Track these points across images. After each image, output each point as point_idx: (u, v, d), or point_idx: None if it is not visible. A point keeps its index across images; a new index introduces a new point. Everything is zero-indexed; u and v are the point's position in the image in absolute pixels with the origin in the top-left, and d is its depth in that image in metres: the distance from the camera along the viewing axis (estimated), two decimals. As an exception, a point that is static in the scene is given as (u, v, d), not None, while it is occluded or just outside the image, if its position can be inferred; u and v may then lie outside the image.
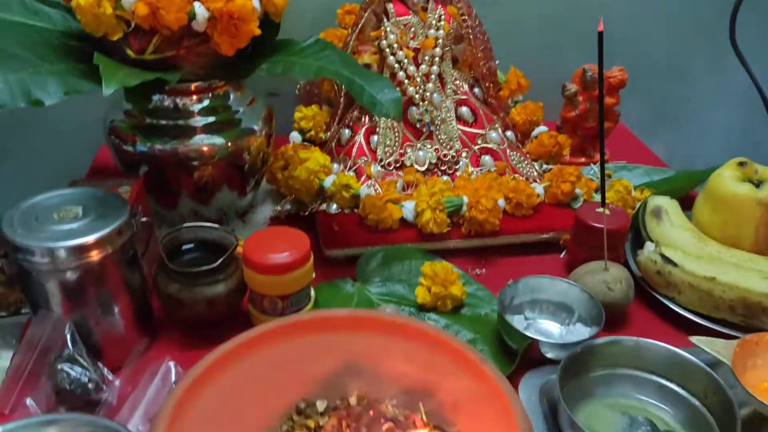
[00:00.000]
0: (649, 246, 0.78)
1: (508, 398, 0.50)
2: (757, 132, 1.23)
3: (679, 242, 0.79)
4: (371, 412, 0.54)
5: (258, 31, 0.72)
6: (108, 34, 0.69)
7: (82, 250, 0.60)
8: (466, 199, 0.83)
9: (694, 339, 0.63)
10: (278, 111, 0.99)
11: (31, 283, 0.62)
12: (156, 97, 0.79)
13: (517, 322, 0.72)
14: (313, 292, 0.73)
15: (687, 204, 0.87)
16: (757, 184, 0.79)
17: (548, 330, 0.73)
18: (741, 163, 0.80)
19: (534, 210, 0.87)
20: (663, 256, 0.75)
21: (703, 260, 0.75)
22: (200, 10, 0.69)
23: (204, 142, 0.80)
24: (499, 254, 0.85)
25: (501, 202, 0.85)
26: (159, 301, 0.70)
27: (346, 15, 1.01)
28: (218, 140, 0.81)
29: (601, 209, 0.77)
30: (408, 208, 0.83)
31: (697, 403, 0.61)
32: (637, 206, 0.88)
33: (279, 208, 0.91)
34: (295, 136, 1.01)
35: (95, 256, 0.61)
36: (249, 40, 0.72)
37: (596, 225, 0.77)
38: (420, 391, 0.54)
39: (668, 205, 0.83)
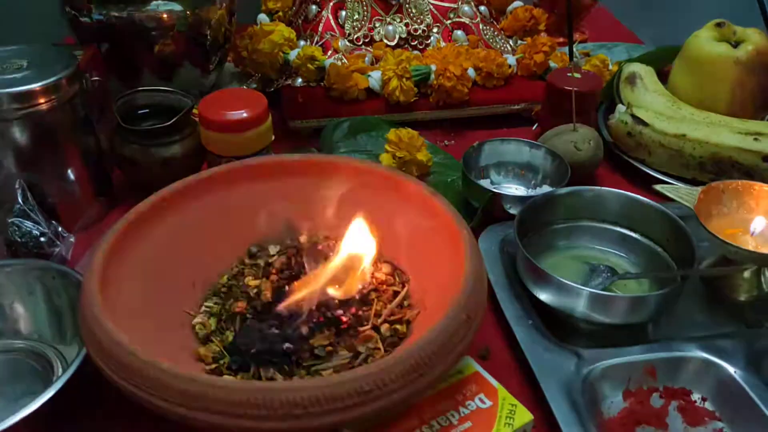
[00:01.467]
0: (620, 108, 0.76)
1: (458, 230, 0.49)
2: (746, 19, 1.18)
3: (652, 105, 0.77)
4: (320, 247, 0.53)
5: None
6: None
7: (27, 97, 0.58)
8: (434, 68, 0.81)
9: (658, 186, 0.62)
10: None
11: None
12: (108, -38, 0.76)
13: (484, 185, 0.71)
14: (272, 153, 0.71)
15: (665, 78, 0.85)
16: (735, 45, 0.76)
17: (514, 193, 0.71)
18: (719, 24, 0.77)
19: (506, 81, 0.84)
20: (634, 116, 0.73)
21: (675, 120, 0.73)
22: None
23: (161, 8, 0.77)
24: (469, 127, 0.84)
25: (471, 71, 0.82)
26: (117, 165, 0.69)
27: None
28: (176, 6, 0.78)
29: (570, 72, 0.75)
30: (374, 78, 0.81)
31: (658, 249, 0.60)
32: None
33: (245, 87, 0.88)
34: (262, 18, 0.97)
35: (42, 105, 0.59)
36: None
37: (567, 88, 0.74)
38: (373, 227, 0.53)
39: (643, 71, 0.81)
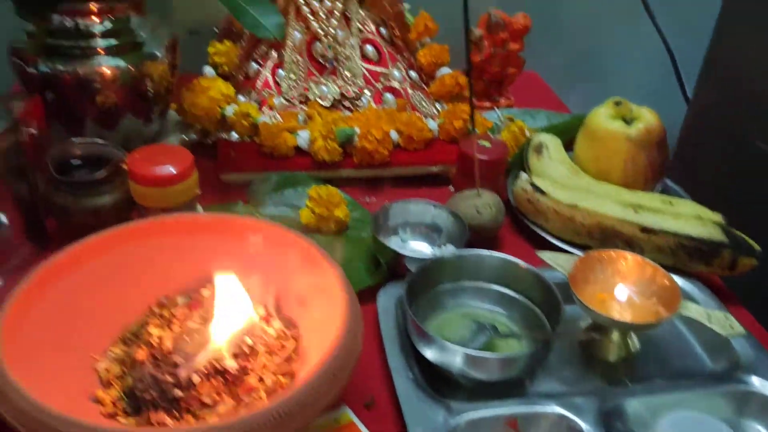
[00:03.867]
0: (522, 176, 0.83)
1: (342, 289, 0.54)
2: (665, 83, 1.28)
3: (554, 175, 0.84)
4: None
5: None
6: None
7: (-39, 152, 0.63)
8: (357, 130, 0.87)
9: (540, 253, 0.68)
10: (199, 50, 1.02)
11: None
12: (57, 19, 0.81)
13: (393, 242, 0.77)
14: (200, 209, 0.77)
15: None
16: (629, 122, 0.84)
17: (420, 251, 0.77)
18: (617, 103, 0.85)
19: (426, 145, 0.91)
20: (533, 184, 0.80)
21: (571, 190, 0.80)
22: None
23: (105, 63, 0.82)
24: (391, 185, 0.90)
25: (394, 134, 0.89)
26: (49, 213, 0.74)
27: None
28: (120, 63, 0.83)
29: (479, 139, 0.82)
30: (303, 137, 0.87)
31: (534, 308, 0.66)
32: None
33: (184, 137, 0.94)
34: (208, 71, 1.03)
35: (-25, 161, 0.64)
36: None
37: (476, 155, 0.81)
38: (270, 285, 0.59)
39: (550, 141, 0.88)
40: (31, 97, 0.79)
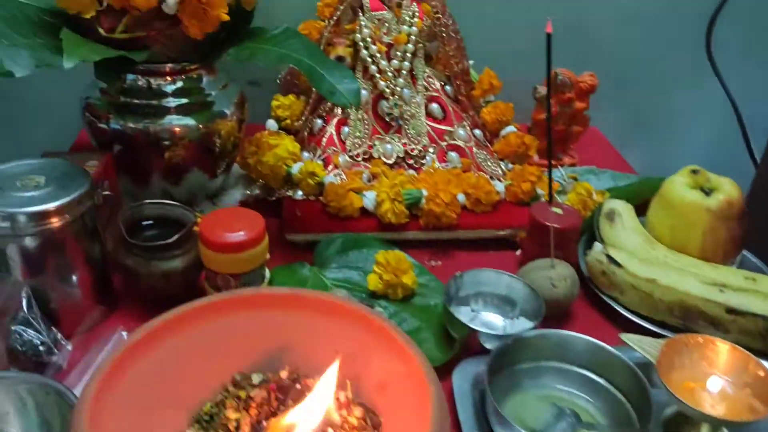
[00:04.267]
0: (596, 246, 0.80)
1: (427, 381, 0.52)
2: (732, 145, 1.25)
3: (628, 245, 0.81)
4: (298, 386, 0.56)
5: (226, 17, 0.74)
6: (81, 12, 0.72)
7: (42, 216, 0.63)
8: (425, 192, 0.86)
9: (624, 336, 0.65)
10: (259, 100, 1.02)
11: (-9, 248, 0.65)
12: (130, 77, 0.82)
13: (463, 313, 0.75)
14: (268, 273, 0.76)
15: (646, 209, 0.89)
16: (708, 192, 0.81)
17: (492, 322, 0.75)
18: (694, 171, 0.82)
19: (493, 207, 0.89)
20: (608, 256, 0.78)
21: (648, 263, 0.77)
22: (171, -7, 0.72)
23: (175, 122, 0.83)
24: (456, 248, 0.88)
25: (461, 197, 0.87)
26: (119, 273, 0.73)
27: (325, 8, 1.04)
28: (190, 122, 0.83)
29: (549, 205, 0.80)
30: (369, 198, 0.86)
31: (620, 396, 0.63)
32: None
33: (248, 192, 0.94)
34: (271, 124, 1.03)
35: (55, 223, 0.64)
36: (218, 25, 0.74)
37: (547, 223, 0.79)
38: (348, 368, 0.57)
39: (622, 208, 0.86)
40: (103, 155, 0.79)
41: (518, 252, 0.88)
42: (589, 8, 1.18)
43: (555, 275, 0.75)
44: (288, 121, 1.04)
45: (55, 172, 0.68)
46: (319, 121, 0.97)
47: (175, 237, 0.70)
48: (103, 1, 0.71)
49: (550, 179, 0.76)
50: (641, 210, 0.88)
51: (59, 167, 0.69)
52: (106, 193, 0.73)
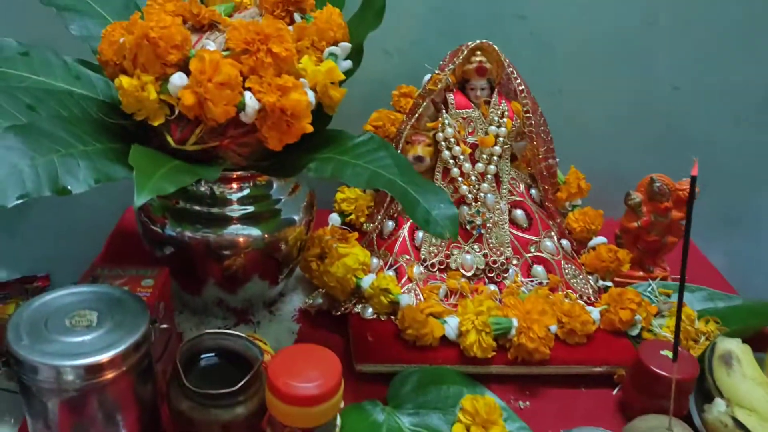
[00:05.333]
0: (719, 404, 0.69)
1: None
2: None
3: (752, 400, 0.70)
4: None
5: (310, 128, 0.65)
6: (149, 118, 0.63)
7: (94, 370, 0.54)
8: (515, 323, 0.76)
9: None
10: (319, 183, 0.93)
11: (31, 398, 0.55)
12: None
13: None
14: (339, 420, 0.66)
15: (758, 343, 0.78)
16: None
17: (599, 493, 0.64)
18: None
19: (587, 338, 0.79)
20: (735, 420, 0.67)
21: (781, 430, 0.66)
22: (251, 102, 0.63)
23: (239, 233, 0.74)
24: (547, 384, 0.77)
25: (553, 327, 0.77)
26: (170, 416, 0.64)
27: (401, 97, 0.95)
28: (255, 231, 0.75)
29: (665, 352, 0.70)
30: (451, 326, 0.76)
31: None
32: (701, 344, 0.79)
33: (310, 301, 0.84)
34: (334, 219, 0.94)
35: (107, 375, 0.55)
36: (300, 137, 0.66)
37: (662, 373, 0.69)
38: None
39: (740, 351, 0.75)
40: (159, 272, 0.70)
41: (616, 391, 0.77)
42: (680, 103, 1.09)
43: (674, 442, 0.64)
44: (353, 216, 0.95)
45: (109, 304, 0.59)
46: (391, 223, 0.88)
47: (240, 384, 0.61)
48: (174, 107, 0.63)
49: (678, 328, 0.65)
50: (755, 344, 0.77)
51: (113, 297, 0.60)
52: (164, 326, 0.64)
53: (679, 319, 0.63)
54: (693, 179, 0.59)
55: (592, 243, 0.93)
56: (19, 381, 0.55)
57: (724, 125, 1.11)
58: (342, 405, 0.64)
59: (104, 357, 0.54)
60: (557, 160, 0.93)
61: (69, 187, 0.58)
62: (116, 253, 0.95)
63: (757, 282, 1.15)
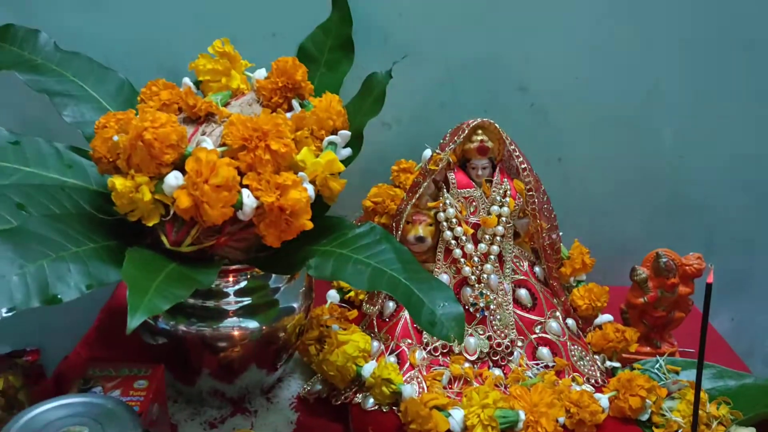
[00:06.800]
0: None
1: None
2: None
3: (770, 499, 0.68)
4: None
5: (310, 225, 0.63)
6: (143, 218, 0.62)
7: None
8: (522, 415, 0.73)
9: None
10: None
11: None
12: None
13: None
14: None
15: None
16: None
17: None
18: None
19: (597, 427, 0.76)
20: None
21: None
22: (248, 201, 0.61)
23: (236, 325, 0.72)
24: (554, 478, 0.74)
25: (561, 418, 0.74)
26: None
27: (401, 172, 0.94)
28: (252, 324, 0.72)
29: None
30: (456, 420, 0.73)
31: None
32: (713, 430, 0.77)
33: (308, 388, 0.81)
34: (332, 296, 0.92)
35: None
36: (299, 233, 0.64)
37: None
38: None
39: (755, 444, 0.72)
40: (152, 370, 0.67)
41: (628, 484, 0.74)
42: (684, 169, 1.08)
43: None
44: (352, 293, 0.92)
45: (99, 418, 0.56)
46: (392, 304, 0.85)
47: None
48: (170, 208, 0.61)
49: (696, 418, 0.62)
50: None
51: (105, 410, 0.57)
52: (158, 437, 0.61)
53: (696, 417, 0.61)
54: (708, 287, 0.57)
55: (598, 321, 0.91)
56: None
57: (730, 192, 1.10)
58: None
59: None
60: (561, 234, 0.91)
61: (59, 296, 0.56)
62: (107, 330, 0.92)
63: (765, 347, 1.14)
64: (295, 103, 0.73)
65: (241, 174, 0.62)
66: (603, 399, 0.78)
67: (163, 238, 0.63)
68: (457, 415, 0.74)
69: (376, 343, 0.83)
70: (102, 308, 0.97)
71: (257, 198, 0.61)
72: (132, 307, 0.51)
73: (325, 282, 0.93)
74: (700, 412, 0.79)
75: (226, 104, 0.72)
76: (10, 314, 0.54)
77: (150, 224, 0.61)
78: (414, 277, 0.63)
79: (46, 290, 0.56)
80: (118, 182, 0.60)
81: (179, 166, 0.61)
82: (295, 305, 0.76)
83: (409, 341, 0.82)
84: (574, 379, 0.82)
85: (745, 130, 1.05)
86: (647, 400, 0.79)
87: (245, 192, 0.62)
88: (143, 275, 0.55)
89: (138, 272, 0.55)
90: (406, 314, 0.84)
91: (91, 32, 0.89)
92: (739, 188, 1.10)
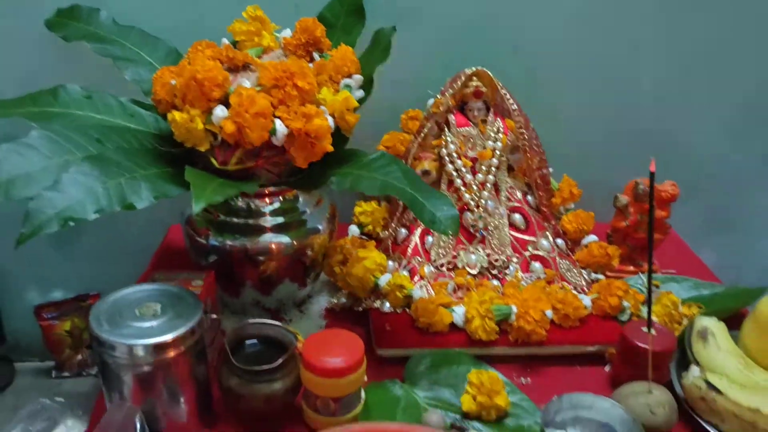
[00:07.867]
0: (694, 370, 0.79)
1: None
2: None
3: (724, 368, 0.80)
4: None
5: (331, 148, 0.78)
6: (196, 145, 0.77)
7: (159, 348, 0.66)
8: (515, 309, 0.87)
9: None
10: (340, 199, 1.05)
11: (110, 373, 0.68)
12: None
13: (560, 438, 0.74)
14: (363, 393, 0.77)
15: (735, 322, 0.88)
16: (806, 316, 0.80)
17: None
18: (790, 293, 0.81)
19: (581, 321, 0.89)
20: (707, 382, 0.77)
21: (749, 389, 0.76)
22: (281, 128, 0.76)
23: (272, 240, 0.86)
24: (545, 363, 0.88)
25: (549, 312, 0.88)
26: (220, 392, 0.75)
27: (409, 120, 1.08)
28: (285, 239, 0.87)
29: (646, 329, 0.80)
30: (458, 314, 0.87)
31: None
32: (684, 325, 0.89)
33: (335, 300, 0.96)
34: (353, 230, 1.06)
35: (170, 353, 0.67)
36: (322, 155, 0.78)
37: (642, 345, 0.79)
38: None
39: (715, 327, 0.85)
40: (206, 274, 0.82)
41: (607, 368, 0.87)
42: (668, 114, 1.20)
43: (653, 402, 0.74)
44: (370, 227, 1.07)
45: (169, 298, 0.71)
46: (404, 231, 0.99)
47: (279, 361, 0.73)
48: (218, 135, 0.76)
49: (650, 304, 0.76)
50: (732, 323, 0.87)
51: (173, 293, 0.72)
52: (214, 316, 0.76)
53: (650, 289, 0.74)
54: (652, 175, 0.70)
55: (584, 241, 1.04)
56: (100, 359, 0.67)
57: (708, 133, 1.22)
58: (365, 380, 0.75)
59: (167, 338, 0.66)
60: (550, 169, 1.05)
61: (134, 203, 0.71)
62: (162, 268, 1.07)
63: (745, 277, 1.25)
64: (315, 55, 0.88)
65: (275, 108, 0.77)
66: (586, 299, 0.91)
67: (213, 160, 0.77)
68: (459, 310, 0.88)
69: (391, 263, 0.97)
70: (154, 254, 1.12)
71: (287, 126, 0.76)
72: (197, 197, 0.66)
73: (347, 222, 1.08)
74: (673, 312, 0.92)
75: (258, 57, 0.87)
76: (97, 215, 0.69)
77: (202, 149, 0.76)
78: (418, 188, 0.77)
79: (124, 199, 0.70)
80: (177, 115, 0.75)
81: (224, 102, 0.76)
82: (320, 227, 0.90)
83: (419, 259, 0.96)
84: (562, 287, 0.95)
85: (724, 73, 1.17)
86: (625, 302, 0.92)
87: (278, 121, 0.76)
88: (202, 180, 0.70)
89: (198, 178, 0.70)
90: (416, 238, 0.98)
91: (141, 8, 1.04)
92: (716, 129, 1.22)
